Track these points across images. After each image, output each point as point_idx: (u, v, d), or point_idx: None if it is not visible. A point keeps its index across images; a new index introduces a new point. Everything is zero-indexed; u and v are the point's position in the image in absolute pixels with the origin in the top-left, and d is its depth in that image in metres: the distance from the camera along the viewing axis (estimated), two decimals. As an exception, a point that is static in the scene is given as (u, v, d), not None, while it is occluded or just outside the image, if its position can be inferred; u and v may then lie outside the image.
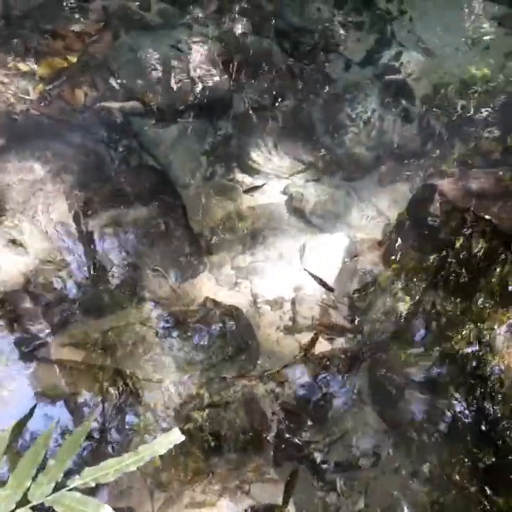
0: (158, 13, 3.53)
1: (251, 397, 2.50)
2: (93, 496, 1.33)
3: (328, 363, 2.60)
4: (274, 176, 3.15)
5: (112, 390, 2.41)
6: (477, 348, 2.48)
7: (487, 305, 2.55)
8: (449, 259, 2.65)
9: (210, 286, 2.83)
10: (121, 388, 2.42)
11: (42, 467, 1.34)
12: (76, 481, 1.30)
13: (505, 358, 2.44)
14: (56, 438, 2.23)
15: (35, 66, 3.21)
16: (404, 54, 3.37)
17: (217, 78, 3.25)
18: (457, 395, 2.43)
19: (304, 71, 3.34)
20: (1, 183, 2.77)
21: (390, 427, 2.48)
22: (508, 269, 2.53)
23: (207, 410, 2.41)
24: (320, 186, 3.09)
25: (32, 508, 1.28)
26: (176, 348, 2.55)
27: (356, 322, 2.72)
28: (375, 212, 3.03)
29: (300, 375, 2.58)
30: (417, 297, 2.69)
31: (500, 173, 2.73)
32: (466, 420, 2.40)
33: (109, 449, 2.30)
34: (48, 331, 2.53)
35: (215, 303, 2.71)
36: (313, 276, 2.75)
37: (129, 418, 2.38)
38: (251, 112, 3.24)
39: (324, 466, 2.40)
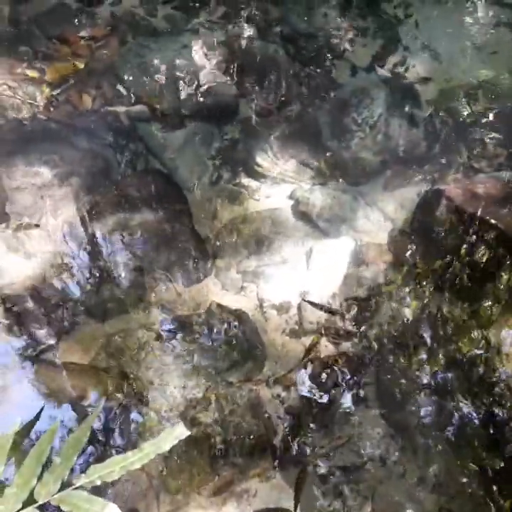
0: (165, 18, 3.56)
1: (257, 401, 2.49)
2: (99, 495, 1.32)
3: (333, 367, 2.60)
4: (280, 180, 3.15)
5: (117, 393, 2.42)
6: (484, 352, 2.48)
7: (494, 310, 2.54)
8: (456, 264, 2.65)
9: (216, 290, 2.83)
10: (126, 391, 2.43)
11: (47, 466, 1.34)
12: (82, 479, 1.30)
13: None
14: (62, 436, 2.24)
15: (43, 71, 3.23)
16: (410, 58, 3.37)
17: (223, 83, 3.26)
18: (464, 400, 2.42)
19: (310, 76, 3.35)
20: (9, 186, 2.79)
21: (396, 431, 2.47)
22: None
23: (213, 414, 2.41)
24: (326, 190, 3.09)
25: (38, 507, 1.28)
26: (181, 352, 2.56)
27: (362, 326, 2.71)
28: (381, 217, 3.02)
29: (306, 380, 2.58)
30: (424, 302, 2.69)
31: (507, 177, 2.73)
32: (474, 425, 2.39)
33: (114, 452, 2.30)
34: (53, 334, 2.54)
35: (221, 307, 2.71)
36: (314, 304, 2.73)
37: (134, 421, 2.39)
38: (257, 117, 3.25)
39: (330, 470, 2.39)
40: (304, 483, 2.34)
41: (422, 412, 2.46)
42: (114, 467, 1.32)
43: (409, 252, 2.82)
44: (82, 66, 3.28)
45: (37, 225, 2.60)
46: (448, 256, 2.67)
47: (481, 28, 3.46)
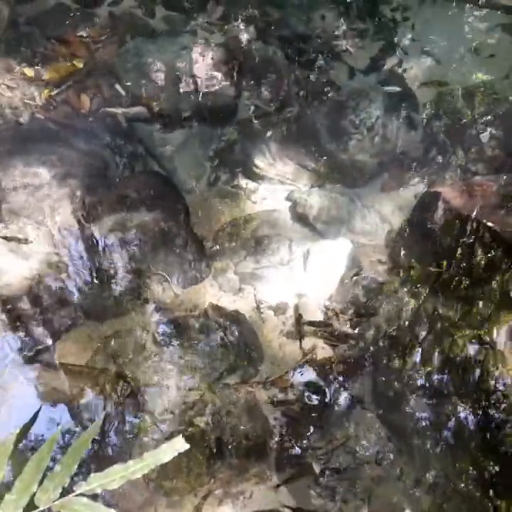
0: (164, 19, 3.56)
1: (253, 403, 2.50)
2: (95, 499, 1.33)
3: (330, 369, 2.60)
4: (277, 182, 3.16)
5: (113, 393, 2.42)
6: (479, 354, 2.49)
7: (488, 311, 2.56)
8: (452, 266, 2.66)
9: (214, 291, 2.83)
10: (123, 392, 2.43)
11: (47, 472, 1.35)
12: (82, 487, 1.31)
13: (508, 364, 2.44)
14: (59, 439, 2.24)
15: (42, 71, 3.23)
16: (408, 61, 3.39)
17: (221, 84, 3.26)
18: (460, 401, 2.43)
19: (308, 78, 3.36)
20: (7, 187, 2.78)
21: (392, 433, 2.48)
22: (510, 275, 2.54)
23: (209, 416, 2.42)
24: (324, 192, 3.10)
25: (39, 513, 1.29)
26: (178, 354, 2.56)
27: (359, 328, 2.72)
28: (378, 219, 3.03)
29: (302, 381, 2.58)
30: (420, 303, 2.70)
31: (503, 180, 2.74)
32: (470, 427, 2.40)
33: (110, 451, 2.30)
34: (50, 335, 2.54)
35: (218, 308, 2.72)
36: (315, 323, 2.72)
37: (131, 422, 2.39)
38: (255, 119, 3.26)
39: (326, 472, 2.40)
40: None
41: (418, 414, 2.47)
42: (115, 476, 1.32)
43: (405, 254, 2.82)
44: (80, 66, 3.28)
45: (26, 240, 2.58)
46: (444, 258, 2.68)
47: (479, 32, 3.47)
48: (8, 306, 2.54)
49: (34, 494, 1.32)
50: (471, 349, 2.51)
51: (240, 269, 2.90)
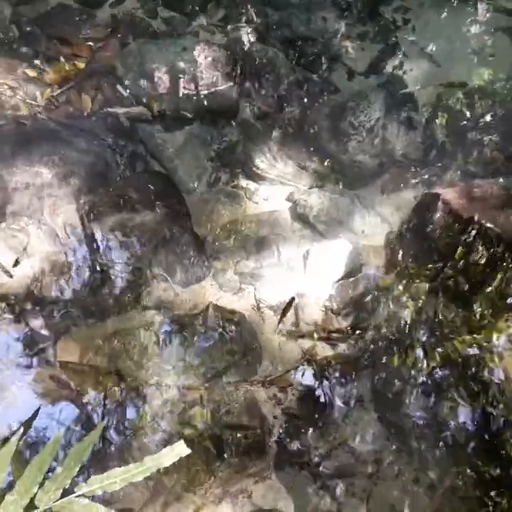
0: (165, 20, 3.58)
1: (253, 401, 2.51)
2: (95, 498, 1.35)
3: (329, 368, 2.62)
4: (278, 182, 3.17)
5: (114, 392, 2.43)
6: (479, 353, 2.50)
7: (487, 312, 2.57)
8: (451, 267, 2.67)
9: (214, 291, 2.85)
10: (123, 391, 2.44)
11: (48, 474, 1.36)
12: (83, 489, 1.32)
13: (507, 367, 2.45)
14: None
15: (44, 72, 3.25)
16: (408, 63, 3.40)
17: (222, 85, 3.28)
18: (460, 402, 2.44)
19: (309, 79, 3.37)
20: (8, 186, 2.80)
21: (391, 432, 2.49)
22: (510, 277, 2.55)
23: (209, 414, 2.43)
24: (324, 193, 3.11)
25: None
26: (178, 353, 2.57)
27: (358, 328, 2.74)
28: (378, 220, 3.05)
29: (302, 381, 2.60)
30: (419, 304, 2.71)
31: (503, 181, 2.75)
32: (469, 427, 2.41)
33: (109, 450, 2.31)
34: (51, 333, 2.56)
35: (218, 308, 2.73)
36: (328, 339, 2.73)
37: (131, 420, 2.40)
38: (256, 119, 3.27)
39: (325, 471, 2.41)
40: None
41: (417, 413, 2.48)
42: (116, 479, 1.35)
43: (405, 255, 2.84)
44: (82, 67, 3.30)
45: (8, 272, 2.59)
46: (443, 259, 2.69)
47: (479, 33, 3.48)
48: (9, 305, 2.55)
49: (35, 495, 1.34)
50: (471, 350, 2.52)
51: (240, 268, 2.91)
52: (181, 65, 3.25)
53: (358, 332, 2.72)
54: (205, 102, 3.25)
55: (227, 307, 2.76)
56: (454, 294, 2.65)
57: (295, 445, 2.45)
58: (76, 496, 1.31)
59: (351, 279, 2.85)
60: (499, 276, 2.56)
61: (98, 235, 2.79)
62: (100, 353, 2.55)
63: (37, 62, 3.28)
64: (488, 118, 3.17)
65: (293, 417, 2.50)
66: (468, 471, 2.35)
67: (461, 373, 2.50)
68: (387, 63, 3.40)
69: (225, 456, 2.37)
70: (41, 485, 1.34)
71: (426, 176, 3.13)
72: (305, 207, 3.05)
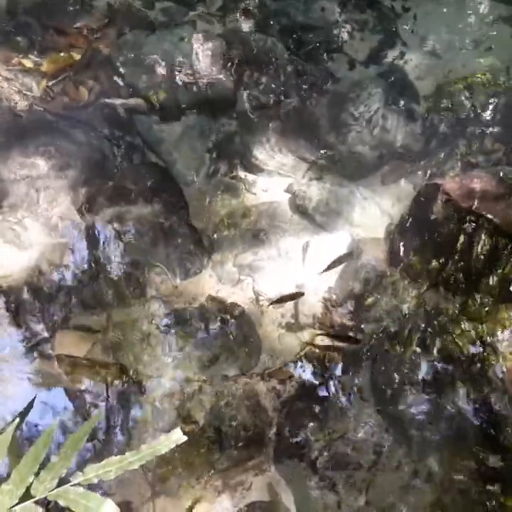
0: (162, 10, 3.53)
1: (252, 394, 2.50)
2: (93, 489, 1.34)
3: (329, 361, 2.61)
4: (277, 173, 3.15)
5: (113, 384, 2.42)
6: (480, 347, 2.49)
7: (488, 305, 2.56)
8: (451, 259, 2.65)
9: (213, 283, 2.83)
10: (123, 383, 2.43)
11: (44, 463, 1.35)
12: (79, 478, 1.31)
13: (508, 359, 2.44)
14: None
15: (40, 62, 3.21)
16: (408, 53, 3.37)
17: (220, 76, 3.25)
18: (459, 394, 2.44)
19: (308, 69, 3.34)
20: (5, 178, 2.77)
21: (390, 424, 2.48)
22: (510, 269, 2.54)
23: (208, 407, 2.42)
24: (323, 184, 3.09)
25: (36, 503, 1.30)
26: (177, 345, 2.56)
27: (358, 320, 2.72)
28: (378, 211, 3.03)
29: (301, 373, 2.59)
30: (419, 296, 2.70)
31: (503, 172, 2.73)
32: (468, 419, 2.41)
33: (109, 442, 2.31)
34: (49, 326, 2.54)
35: (217, 300, 2.71)
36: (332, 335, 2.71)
37: (131, 413, 2.39)
38: (254, 110, 3.24)
39: (325, 463, 2.40)
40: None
41: (417, 406, 2.47)
42: (112, 467, 1.33)
43: (405, 246, 2.82)
44: (78, 57, 3.26)
45: None
46: (444, 250, 2.68)
47: (480, 23, 3.45)
48: (8, 297, 2.54)
49: (31, 484, 1.33)
50: (472, 344, 2.51)
51: (239, 261, 2.89)
52: (179, 55, 3.21)
53: (357, 324, 2.70)
54: (203, 93, 3.22)
55: (226, 299, 2.75)
56: (455, 285, 2.64)
57: (294, 437, 2.44)
58: (72, 485, 1.30)
59: (350, 271, 2.83)
60: (500, 266, 2.55)
61: (96, 227, 2.77)
62: (98, 346, 2.53)
63: (33, 52, 3.24)
64: (489, 108, 3.14)
65: (292, 409, 2.49)
66: (468, 462, 2.34)
67: (461, 365, 2.49)
68: (387, 53, 3.37)
69: (225, 448, 2.36)
70: (37, 474, 1.33)
71: (426, 167, 3.10)
72: (304, 198, 3.02)
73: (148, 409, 2.40)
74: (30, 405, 1.45)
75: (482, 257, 2.58)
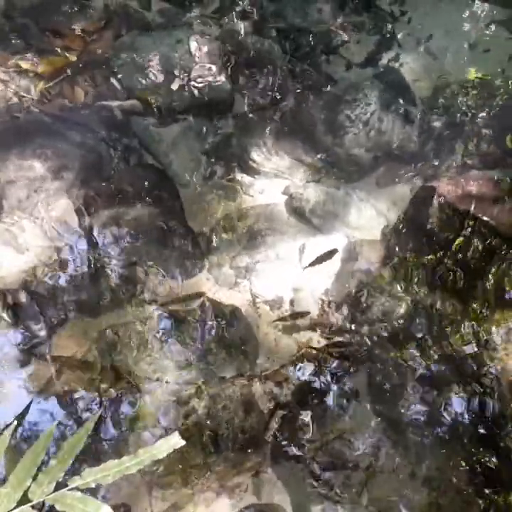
0: (159, 12, 3.53)
1: (249, 396, 2.50)
2: (92, 493, 1.34)
3: (325, 362, 2.61)
4: (273, 175, 3.15)
5: (108, 387, 2.42)
6: (475, 348, 2.50)
7: (483, 306, 2.57)
8: (447, 261, 2.66)
9: (209, 285, 2.83)
10: (118, 385, 2.43)
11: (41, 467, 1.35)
12: (77, 482, 1.31)
13: (504, 359, 2.45)
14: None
15: (36, 64, 3.21)
16: (404, 55, 3.38)
17: (217, 78, 3.25)
18: (456, 396, 2.45)
19: (305, 72, 3.35)
20: (1, 180, 2.77)
21: (388, 426, 2.49)
22: (505, 270, 2.55)
23: (205, 409, 2.42)
24: (320, 187, 3.10)
25: (33, 507, 1.30)
26: (174, 347, 2.56)
27: (354, 322, 2.73)
28: (374, 213, 3.03)
29: (298, 375, 2.59)
30: (415, 297, 2.71)
31: (499, 175, 2.74)
32: (466, 421, 2.42)
33: (106, 445, 2.31)
34: (46, 328, 2.54)
35: (214, 302, 2.72)
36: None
37: (126, 415, 2.39)
38: (251, 112, 3.25)
39: (321, 465, 2.41)
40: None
41: (414, 407, 2.48)
42: (109, 471, 1.34)
43: (401, 248, 2.83)
44: (74, 59, 3.26)
45: None
46: (439, 252, 2.69)
47: (476, 26, 3.46)
48: (4, 299, 2.53)
49: (28, 488, 1.33)
50: (467, 345, 2.52)
51: (236, 263, 2.90)
52: (175, 57, 3.22)
53: (354, 326, 2.71)
54: (200, 95, 3.22)
55: (223, 302, 2.75)
56: (451, 287, 2.65)
57: (291, 439, 2.44)
58: (69, 489, 1.31)
59: (347, 273, 2.84)
60: (495, 268, 2.56)
61: (92, 229, 2.77)
62: (96, 348, 2.53)
63: (29, 54, 3.23)
64: (484, 110, 3.15)
65: (289, 411, 2.49)
66: (464, 464, 2.35)
67: (458, 366, 2.50)
68: (384, 55, 3.37)
69: (222, 450, 2.36)
70: (34, 478, 1.33)
71: (422, 169, 3.11)
72: (301, 200, 3.03)
73: (144, 412, 2.40)
74: (26, 409, 1.45)
75: (477, 258, 2.59)
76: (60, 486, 1.35)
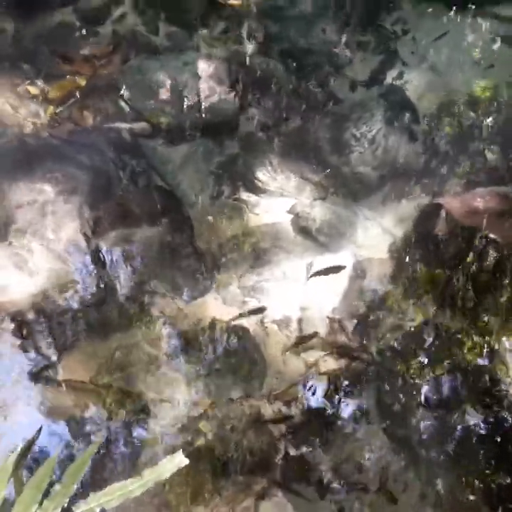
0: (167, 36, 3.60)
1: (258, 417, 2.50)
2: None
3: (334, 382, 2.60)
4: (279, 194, 3.17)
5: (117, 409, 2.43)
6: (487, 363, 2.48)
7: (494, 322, 2.55)
8: (455, 277, 2.65)
9: (217, 305, 2.84)
10: (127, 407, 2.43)
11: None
12: (81, 507, 1.31)
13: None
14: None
15: (46, 89, 3.28)
16: (408, 73, 3.40)
17: (224, 98, 3.30)
18: (468, 412, 2.42)
19: (310, 91, 3.38)
20: (11, 204, 2.82)
21: (398, 446, 2.47)
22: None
23: (214, 431, 2.41)
24: (326, 205, 3.11)
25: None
26: (183, 368, 2.57)
27: (363, 341, 2.72)
28: (380, 231, 3.04)
29: (306, 394, 2.58)
30: (424, 314, 2.69)
31: (506, 190, 2.74)
32: (477, 439, 2.39)
33: (114, 467, 2.30)
34: (55, 351, 2.55)
35: (222, 322, 2.72)
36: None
37: (136, 437, 2.39)
38: (257, 132, 3.28)
39: (332, 486, 2.38)
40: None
41: (424, 425, 2.45)
42: (113, 495, 1.33)
43: (408, 266, 2.82)
44: (83, 83, 3.32)
45: None
46: (447, 269, 2.68)
47: (479, 42, 3.48)
48: (14, 322, 2.56)
49: (34, 513, 1.33)
50: (479, 360, 2.50)
51: (243, 282, 2.91)
52: (183, 79, 3.27)
53: (363, 344, 2.70)
54: (207, 116, 3.26)
55: (231, 321, 2.75)
56: (460, 303, 2.63)
57: (301, 461, 2.42)
58: (74, 515, 1.31)
59: (355, 291, 2.84)
60: (503, 285, 2.54)
61: (102, 250, 2.80)
62: (105, 369, 2.54)
63: (39, 79, 3.30)
64: (489, 126, 3.16)
65: (298, 432, 2.48)
66: (477, 482, 2.32)
67: (469, 381, 2.47)
68: (388, 73, 3.40)
69: (231, 473, 2.35)
70: (40, 503, 1.33)
71: (428, 186, 3.11)
72: (308, 219, 3.04)
73: (153, 433, 2.40)
74: (37, 434, 1.46)
75: (486, 274, 2.58)
76: (65, 511, 1.35)
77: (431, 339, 2.63)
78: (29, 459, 2.11)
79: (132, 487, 1.33)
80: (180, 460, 1.41)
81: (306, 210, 3.07)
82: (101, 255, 2.79)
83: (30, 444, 1.48)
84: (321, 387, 2.58)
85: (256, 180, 3.17)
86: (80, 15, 3.58)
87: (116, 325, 2.69)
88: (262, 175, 3.18)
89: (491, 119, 3.17)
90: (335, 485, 2.38)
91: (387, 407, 2.53)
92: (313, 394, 2.57)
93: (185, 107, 3.25)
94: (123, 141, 3.20)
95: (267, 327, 2.77)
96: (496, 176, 3.02)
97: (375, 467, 2.41)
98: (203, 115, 3.25)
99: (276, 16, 3.68)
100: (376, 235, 3.02)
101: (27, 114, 3.16)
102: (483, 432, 2.38)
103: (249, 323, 2.77)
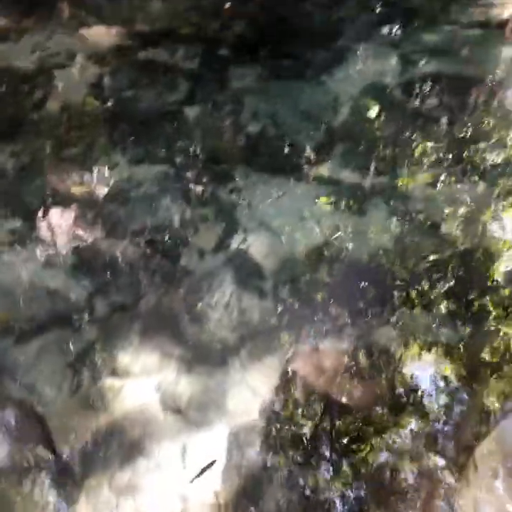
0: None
1: None
2: None
3: None
4: (144, 375, 3.09)
5: None
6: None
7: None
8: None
9: (87, 515, 2.56)
10: None
11: None
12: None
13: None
14: None
15: None
16: (250, 237, 3.66)
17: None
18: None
19: (163, 265, 3.49)
20: None
21: None
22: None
23: None
24: (192, 377, 3.07)
25: None
26: None
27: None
28: (249, 394, 3.03)
29: None
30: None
31: (350, 346, 2.87)
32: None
33: None
34: None
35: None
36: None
37: None
38: (113, 314, 3.27)
39: None
40: None
41: None
42: None
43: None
44: None
45: None
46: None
47: (307, 201, 3.88)
48: None
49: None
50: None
51: (116, 482, 2.68)
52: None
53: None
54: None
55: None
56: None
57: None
58: None
59: (233, 467, 2.73)
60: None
61: None
62: None
63: None
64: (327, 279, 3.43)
65: None
66: None
67: None
68: (232, 240, 3.64)
69: None
70: None
71: (288, 343, 3.20)
72: (174, 396, 2.97)
73: None
74: None
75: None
76: None
77: None
78: None
79: None
80: None
81: (171, 386, 3.01)
82: None
83: None
84: None
85: (117, 364, 3.08)
86: None
87: None
88: (123, 357, 3.10)
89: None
90: None
91: None
92: None
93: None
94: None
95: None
96: (339, 326, 3.17)
97: None
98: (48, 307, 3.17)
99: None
100: (246, 398, 3.00)
101: None
102: None
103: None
